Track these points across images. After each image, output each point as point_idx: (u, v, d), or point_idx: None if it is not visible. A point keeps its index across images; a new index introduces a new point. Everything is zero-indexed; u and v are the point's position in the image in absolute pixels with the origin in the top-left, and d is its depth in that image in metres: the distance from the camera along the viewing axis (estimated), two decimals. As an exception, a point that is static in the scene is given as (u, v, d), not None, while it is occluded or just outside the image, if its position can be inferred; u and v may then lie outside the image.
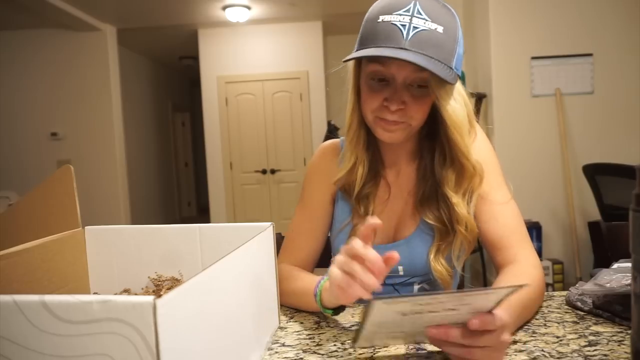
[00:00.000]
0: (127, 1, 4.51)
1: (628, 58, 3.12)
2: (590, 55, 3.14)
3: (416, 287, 0.95)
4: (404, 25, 0.76)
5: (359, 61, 0.87)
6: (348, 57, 0.81)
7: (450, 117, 0.81)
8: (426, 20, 0.77)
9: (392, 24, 0.77)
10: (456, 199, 0.86)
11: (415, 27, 0.76)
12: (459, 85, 0.84)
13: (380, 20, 0.79)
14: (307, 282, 0.82)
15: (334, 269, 0.65)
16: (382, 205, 0.95)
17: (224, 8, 4.79)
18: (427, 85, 0.80)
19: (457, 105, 0.82)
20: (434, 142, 0.91)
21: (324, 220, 0.98)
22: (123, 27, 5.20)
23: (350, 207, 0.95)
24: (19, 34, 4.96)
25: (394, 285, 0.95)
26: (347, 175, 0.92)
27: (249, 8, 4.83)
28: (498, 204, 0.88)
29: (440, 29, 0.77)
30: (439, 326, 0.56)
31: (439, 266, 0.88)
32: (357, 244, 0.62)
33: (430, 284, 0.97)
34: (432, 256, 0.89)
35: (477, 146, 0.89)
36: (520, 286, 0.53)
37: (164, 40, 6.00)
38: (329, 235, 1.02)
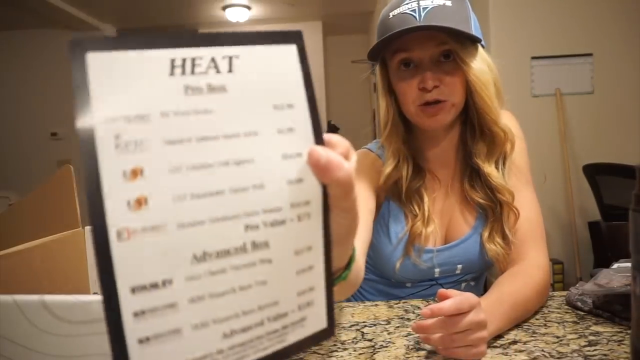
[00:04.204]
0: (127, 1, 4.51)
1: (628, 58, 3.12)
2: (590, 55, 3.13)
3: (463, 285, 0.95)
4: (414, 10, 0.80)
5: (384, 61, 0.89)
6: (370, 49, 0.84)
7: (477, 76, 0.82)
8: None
9: (403, 13, 0.81)
10: (488, 169, 0.87)
11: (424, 8, 0.79)
12: (482, 52, 0.85)
13: (391, 16, 0.83)
14: None
15: None
16: (432, 199, 0.93)
17: (224, 8, 4.79)
18: (455, 58, 0.82)
19: (483, 67, 0.83)
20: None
21: (370, 214, 0.90)
22: (123, 27, 5.20)
23: (403, 215, 0.92)
24: (19, 34, 4.96)
25: (443, 285, 0.94)
26: (394, 171, 0.89)
27: (249, 8, 4.82)
28: (522, 198, 0.88)
29: (448, 2, 0.80)
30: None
31: (493, 246, 0.87)
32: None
33: (477, 280, 0.97)
34: (486, 236, 0.88)
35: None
36: None
37: (164, 40, 5.99)
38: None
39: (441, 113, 0.84)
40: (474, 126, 0.89)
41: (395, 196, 0.92)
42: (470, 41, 0.83)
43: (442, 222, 0.93)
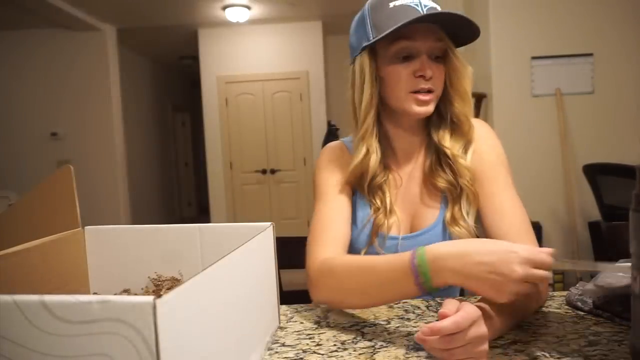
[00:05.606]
0: (127, 1, 4.51)
1: (628, 58, 3.12)
2: (590, 55, 3.13)
3: None
4: (417, 4, 0.84)
5: (373, 50, 0.90)
6: (379, 36, 0.85)
7: (468, 74, 0.89)
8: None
9: (406, 5, 0.85)
10: (455, 151, 0.92)
11: (425, 5, 0.85)
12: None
13: (391, 5, 0.86)
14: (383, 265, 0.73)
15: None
16: (395, 192, 0.97)
17: (224, 8, 4.79)
18: (442, 56, 0.89)
19: (468, 66, 0.90)
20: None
21: (348, 207, 0.94)
22: (123, 26, 5.20)
23: (369, 204, 0.96)
24: (19, 34, 4.96)
25: None
26: (360, 165, 0.92)
27: (249, 8, 4.82)
28: (505, 201, 0.89)
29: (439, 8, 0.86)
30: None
31: (457, 228, 0.89)
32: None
33: None
34: (448, 218, 0.90)
35: (486, 143, 0.93)
36: None
37: (164, 40, 5.99)
38: None
39: (430, 102, 0.89)
40: (442, 118, 0.94)
41: (360, 188, 0.96)
42: (455, 44, 0.90)
43: (406, 213, 0.96)
